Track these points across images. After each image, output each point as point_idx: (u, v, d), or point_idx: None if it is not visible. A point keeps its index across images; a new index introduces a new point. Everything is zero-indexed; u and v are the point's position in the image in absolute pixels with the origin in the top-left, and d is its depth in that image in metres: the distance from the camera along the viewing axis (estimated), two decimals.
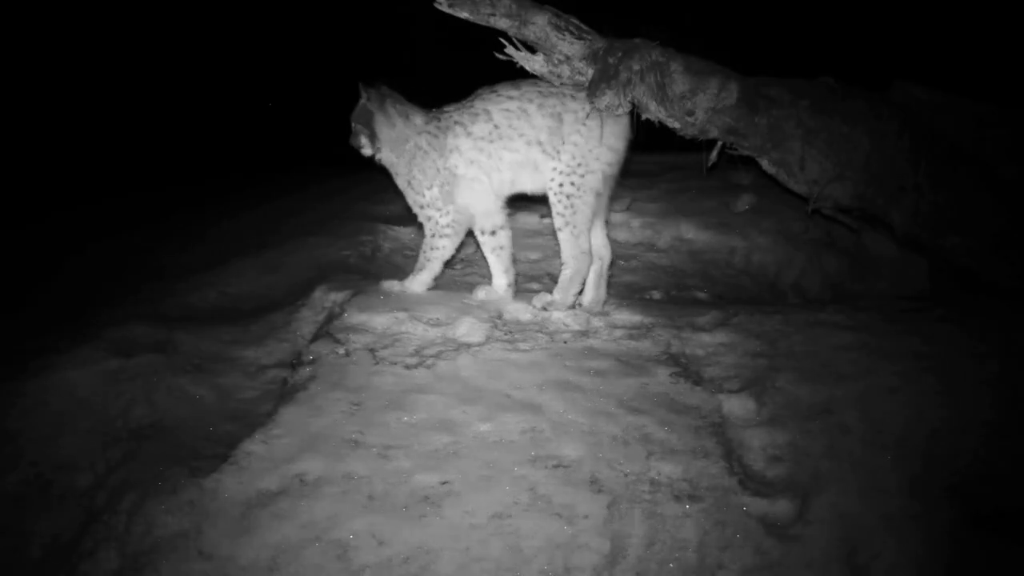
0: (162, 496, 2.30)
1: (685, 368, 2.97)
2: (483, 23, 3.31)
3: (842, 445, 2.59)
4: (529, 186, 3.38)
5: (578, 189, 3.19)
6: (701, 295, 3.72)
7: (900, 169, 3.64)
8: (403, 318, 3.12)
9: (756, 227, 4.15)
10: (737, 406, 2.78)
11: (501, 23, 3.30)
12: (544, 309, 3.29)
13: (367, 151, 3.43)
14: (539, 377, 2.81)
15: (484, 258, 3.56)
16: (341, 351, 2.94)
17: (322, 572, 2.11)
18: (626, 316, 3.31)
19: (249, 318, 3.49)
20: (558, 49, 3.36)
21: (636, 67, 3.33)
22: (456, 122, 3.32)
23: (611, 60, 3.34)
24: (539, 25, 3.31)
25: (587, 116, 3.20)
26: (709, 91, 3.39)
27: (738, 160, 3.72)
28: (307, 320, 3.37)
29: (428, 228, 3.41)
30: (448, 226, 3.36)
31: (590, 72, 3.40)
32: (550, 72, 3.40)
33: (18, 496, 2.56)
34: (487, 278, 3.68)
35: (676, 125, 3.49)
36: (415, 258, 3.86)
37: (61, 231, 5.68)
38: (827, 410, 2.71)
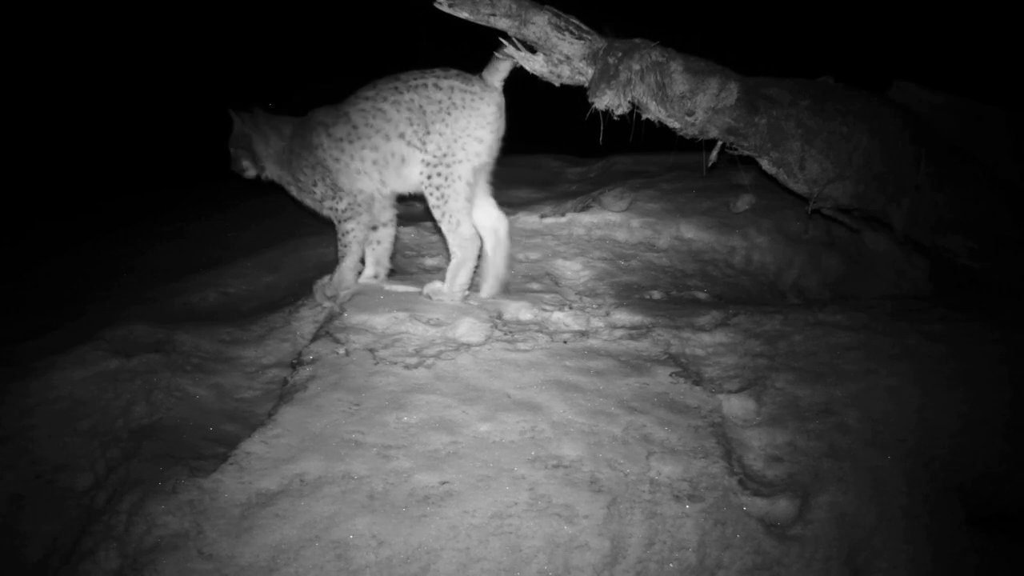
0: (162, 496, 2.30)
1: (685, 368, 2.97)
2: (483, 23, 3.31)
3: (842, 445, 2.59)
4: (399, 184, 3.37)
5: (446, 179, 3.20)
6: (701, 295, 3.72)
7: (900, 169, 3.64)
8: (403, 318, 3.12)
9: (756, 227, 4.14)
10: (737, 406, 2.78)
11: (501, 23, 3.30)
12: (429, 298, 3.31)
13: (251, 173, 3.59)
14: (539, 377, 2.81)
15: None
16: (341, 351, 2.94)
17: (322, 572, 2.11)
18: (626, 316, 3.31)
19: (249, 318, 3.49)
20: (558, 49, 3.36)
21: (636, 67, 3.33)
22: (319, 122, 3.38)
23: (611, 60, 3.34)
24: (539, 25, 3.31)
25: (451, 107, 3.20)
26: (709, 91, 3.39)
27: (738, 160, 3.72)
28: (307, 320, 3.37)
29: (333, 218, 3.46)
30: (348, 208, 3.39)
31: (590, 72, 3.41)
32: (550, 72, 3.40)
33: (18, 496, 2.56)
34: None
35: (676, 125, 3.49)
36: (415, 257, 3.86)
37: (59, 233, 5.68)
38: (827, 410, 2.71)
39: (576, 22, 3.40)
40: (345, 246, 3.43)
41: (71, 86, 8.97)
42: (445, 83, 3.21)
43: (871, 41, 7.88)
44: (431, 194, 3.24)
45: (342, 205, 3.39)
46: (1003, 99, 4.16)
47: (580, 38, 3.37)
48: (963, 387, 2.79)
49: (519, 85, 3.45)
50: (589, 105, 3.44)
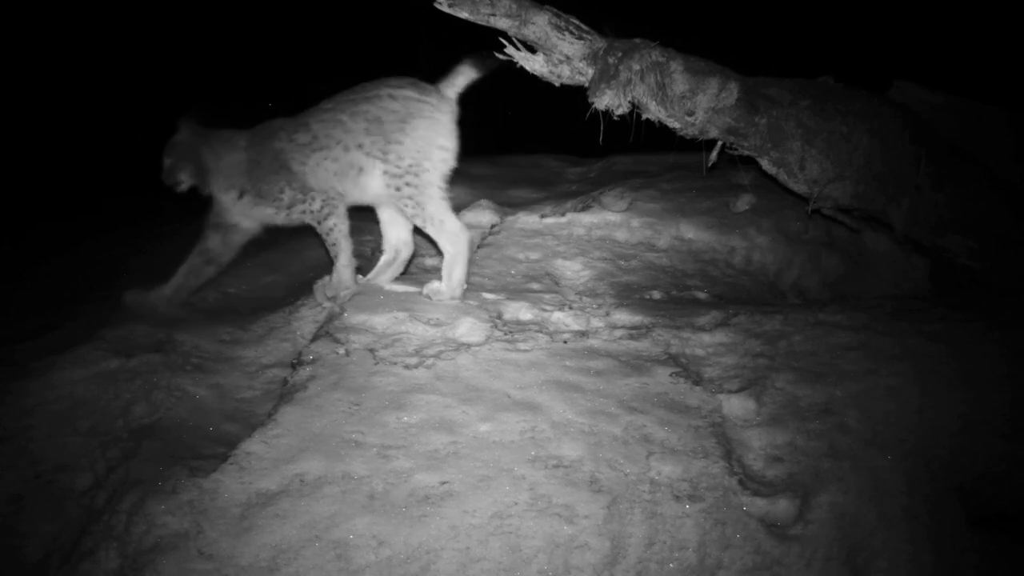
0: (162, 496, 2.30)
1: (685, 368, 2.97)
2: (483, 23, 3.31)
3: (842, 445, 2.59)
4: (358, 194, 3.35)
5: (417, 188, 3.20)
6: (701, 295, 3.72)
7: (900, 169, 3.64)
8: (403, 318, 3.12)
9: (756, 227, 4.14)
10: (737, 406, 2.78)
11: (501, 23, 3.30)
12: (429, 298, 3.30)
13: (185, 186, 3.48)
14: (539, 377, 2.81)
15: (485, 258, 3.55)
16: (341, 351, 2.94)
17: (322, 572, 2.11)
18: (626, 316, 3.31)
19: (249, 318, 3.49)
20: (558, 49, 3.36)
21: (636, 67, 3.33)
22: (280, 128, 3.37)
23: (611, 60, 3.34)
24: (539, 25, 3.31)
25: (407, 116, 3.20)
26: (709, 91, 3.40)
27: (738, 160, 3.72)
28: (307, 320, 3.37)
29: (310, 221, 3.41)
30: (324, 205, 3.36)
31: (590, 72, 3.41)
32: (550, 72, 3.40)
33: (18, 496, 2.56)
34: (488, 278, 3.69)
35: (676, 125, 3.49)
36: (414, 257, 3.85)
37: (59, 233, 5.67)
38: (827, 410, 2.71)
39: (576, 22, 3.40)
40: (333, 243, 3.40)
41: (71, 86, 8.97)
42: (400, 93, 3.22)
43: (871, 41, 7.89)
44: (405, 205, 3.23)
45: (316, 205, 3.36)
46: (1003, 99, 4.17)
47: (580, 38, 3.37)
48: (963, 387, 2.79)
49: (519, 85, 3.46)
50: (589, 105, 3.44)
